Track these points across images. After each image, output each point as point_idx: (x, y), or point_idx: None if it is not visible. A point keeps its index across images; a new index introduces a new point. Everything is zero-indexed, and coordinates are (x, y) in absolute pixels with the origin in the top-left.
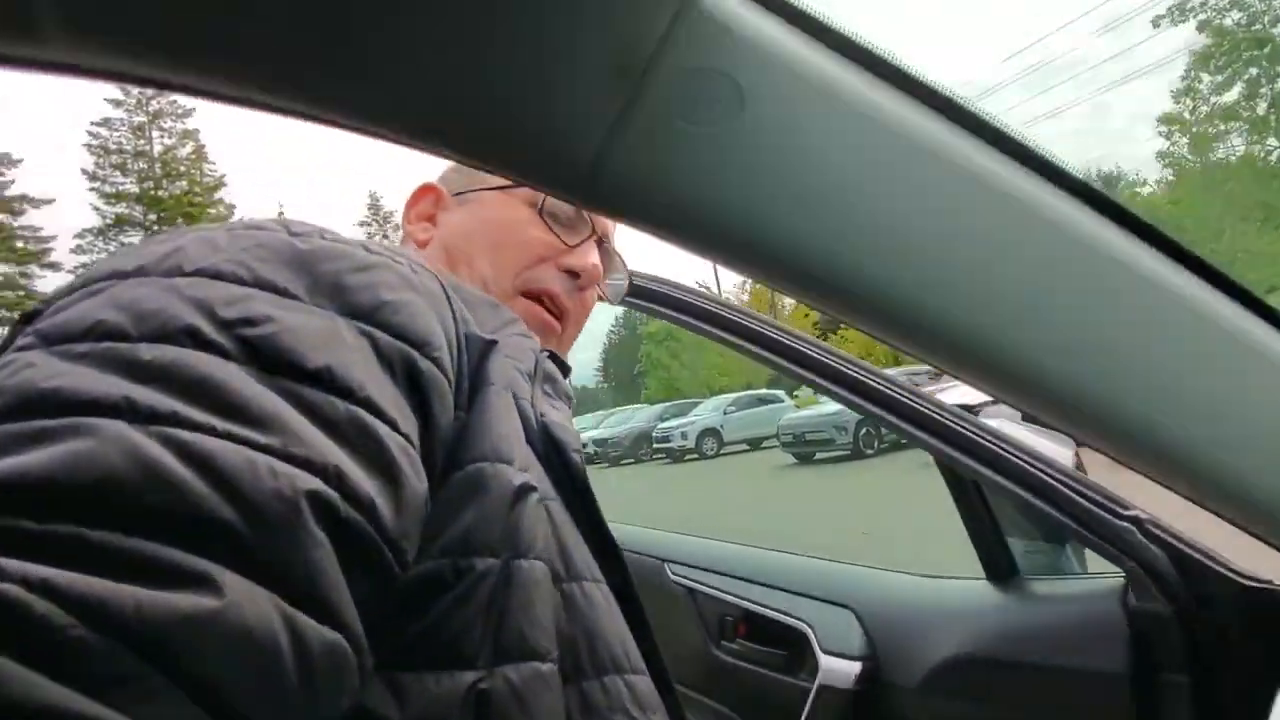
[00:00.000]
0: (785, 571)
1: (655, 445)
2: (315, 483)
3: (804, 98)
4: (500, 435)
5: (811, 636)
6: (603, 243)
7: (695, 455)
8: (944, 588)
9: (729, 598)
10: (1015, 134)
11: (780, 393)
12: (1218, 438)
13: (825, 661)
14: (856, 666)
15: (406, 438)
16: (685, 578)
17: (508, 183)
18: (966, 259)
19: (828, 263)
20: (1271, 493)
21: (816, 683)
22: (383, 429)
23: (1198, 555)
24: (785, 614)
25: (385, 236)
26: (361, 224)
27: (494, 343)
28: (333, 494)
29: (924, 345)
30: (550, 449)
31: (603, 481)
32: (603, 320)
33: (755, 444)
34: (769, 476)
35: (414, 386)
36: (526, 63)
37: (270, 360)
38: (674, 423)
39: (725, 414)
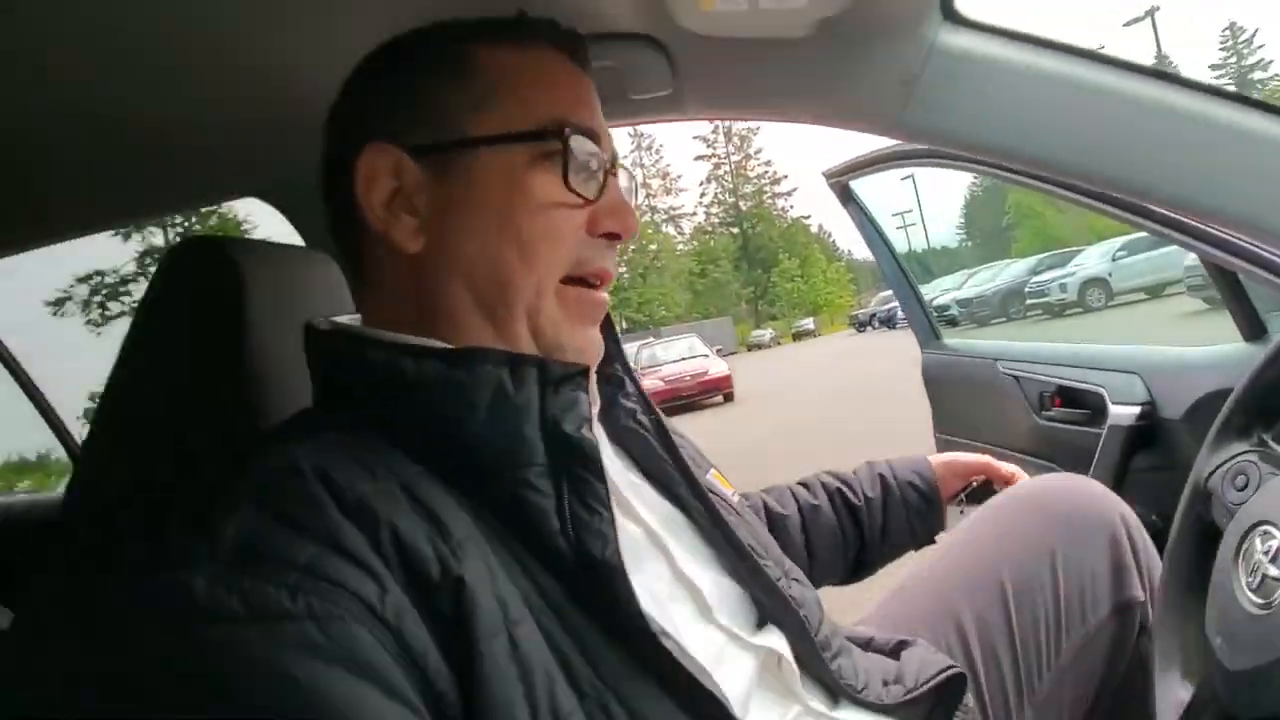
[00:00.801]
0: (1089, 356)
1: (1029, 300)
2: None
3: (1012, 74)
4: (515, 709)
5: (1105, 395)
6: (615, 164)
7: (1079, 308)
8: (1211, 351)
9: (1046, 378)
10: (1164, 69)
11: None
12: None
13: (1114, 410)
14: (1137, 409)
15: None
16: (1011, 369)
17: (492, 129)
18: (1144, 150)
19: (1054, 159)
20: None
21: (1107, 424)
22: None
23: None
24: (1087, 384)
25: None
26: None
27: (461, 582)
28: None
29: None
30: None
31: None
32: (960, 175)
33: (1155, 291)
34: (1171, 325)
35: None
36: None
37: None
38: (1051, 275)
39: (1114, 260)
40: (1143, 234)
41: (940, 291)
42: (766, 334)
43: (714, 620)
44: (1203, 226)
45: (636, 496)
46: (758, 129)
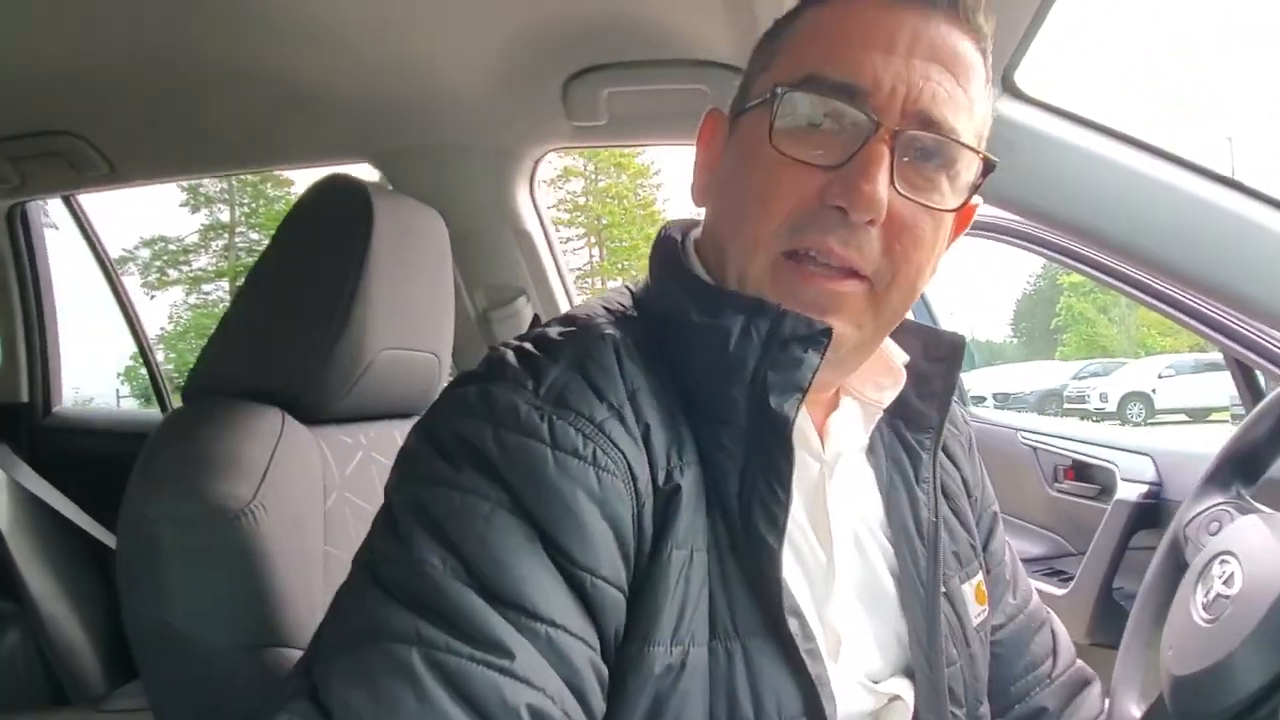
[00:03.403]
0: (1106, 436)
1: (1066, 405)
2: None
3: (1062, 149)
4: (663, 611)
5: (1116, 472)
6: (898, 136)
7: (1117, 420)
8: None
9: (1061, 451)
10: (1180, 155)
11: None
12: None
13: (1122, 486)
14: (1144, 487)
15: (593, 650)
16: (1030, 440)
17: (768, 90)
18: (1176, 233)
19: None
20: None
21: (1113, 500)
22: (577, 649)
23: None
24: (1100, 460)
25: None
26: None
27: (679, 489)
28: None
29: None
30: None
31: None
32: (1018, 270)
33: (1198, 416)
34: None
35: (589, 607)
36: None
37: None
38: (1093, 381)
39: (1160, 376)
40: (1190, 355)
41: (979, 381)
42: None
43: (840, 663)
44: (1239, 328)
45: (851, 537)
46: None
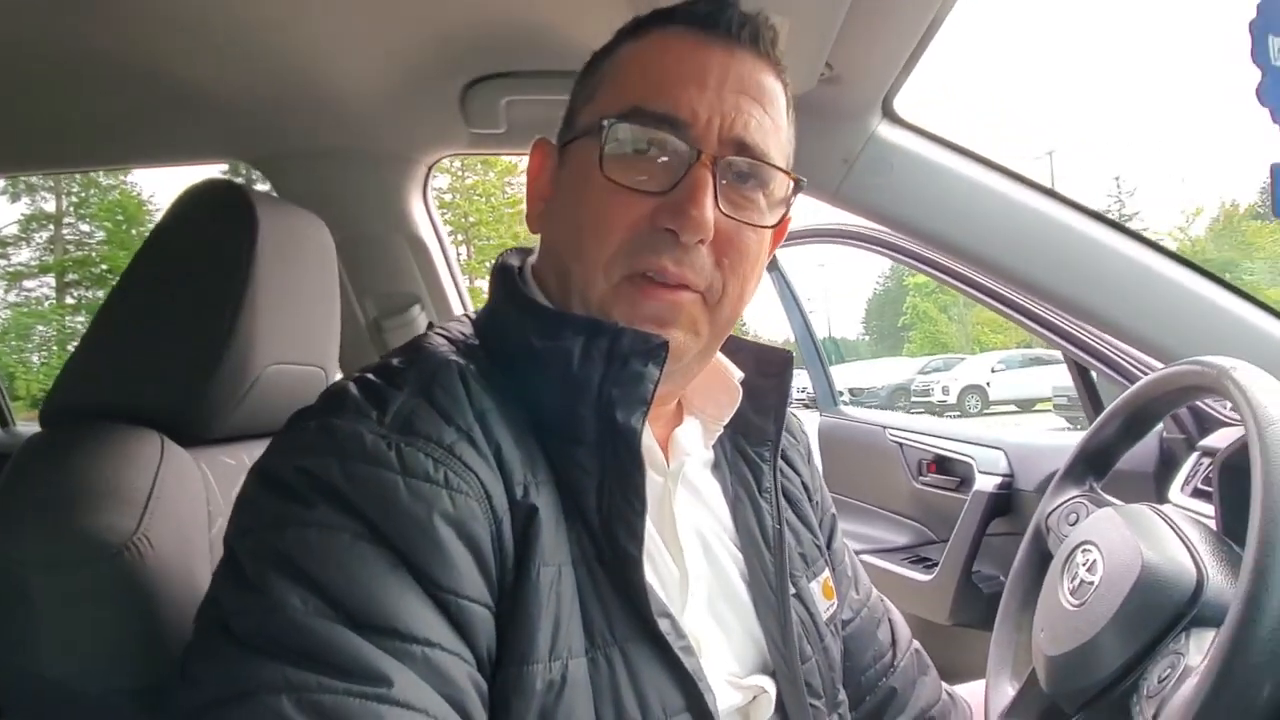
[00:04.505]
0: (964, 433)
1: (914, 398)
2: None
3: (930, 169)
4: (539, 630)
5: (974, 465)
6: (717, 162)
7: (956, 411)
8: (1062, 437)
9: (924, 446)
10: (1042, 184)
11: (1059, 354)
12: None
13: (980, 478)
14: (999, 479)
15: (470, 666)
16: (896, 437)
17: (594, 115)
18: (1022, 244)
19: (952, 241)
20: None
21: (972, 491)
22: (455, 665)
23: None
24: (959, 454)
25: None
26: None
27: (536, 510)
28: None
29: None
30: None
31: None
32: (869, 271)
33: (1026, 406)
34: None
35: (459, 627)
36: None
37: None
38: (936, 376)
39: (993, 371)
40: (1018, 350)
41: (834, 378)
42: None
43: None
44: (1069, 328)
45: (700, 547)
46: None
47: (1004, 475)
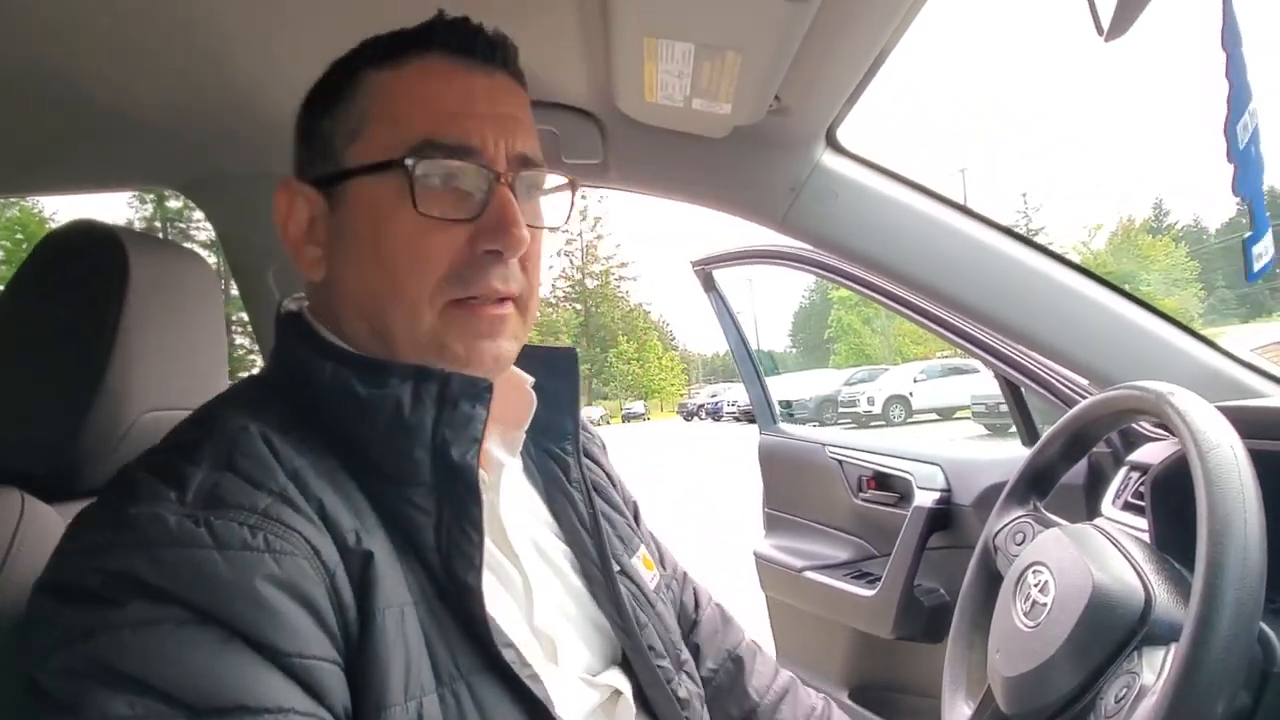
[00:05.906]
0: (902, 449)
1: (840, 409)
2: None
3: (871, 196)
4: (390, 673)
5: (913, 481)
6: (514, 180)
7: (882, 421)
8: (997, 453)
9: (864, 463)
10: (977, 210)
11: (976, 364)
12: (1040, 324)
13: (919, 494)
14: (937, 494)
15: None
16: (836, 454)
17: (376, 155)
18: (959, 270)
19: (895, 268)
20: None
21: (912, 506)
22: None
23: None
24: (898, 470)
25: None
26: None
27: (370, 554)
28: None
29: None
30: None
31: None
32: (795, 285)
33: (946, 414)
34: (959, 445)
35: (311, 690)
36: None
37: None
38: (861, 386)
39: (915, 381)
40: (938, 360)
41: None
42: (596, 412)
43: (560, 664)
44: (999, 347)
45: (533, 549)
46: (608, 211)
47: (942, 490)
